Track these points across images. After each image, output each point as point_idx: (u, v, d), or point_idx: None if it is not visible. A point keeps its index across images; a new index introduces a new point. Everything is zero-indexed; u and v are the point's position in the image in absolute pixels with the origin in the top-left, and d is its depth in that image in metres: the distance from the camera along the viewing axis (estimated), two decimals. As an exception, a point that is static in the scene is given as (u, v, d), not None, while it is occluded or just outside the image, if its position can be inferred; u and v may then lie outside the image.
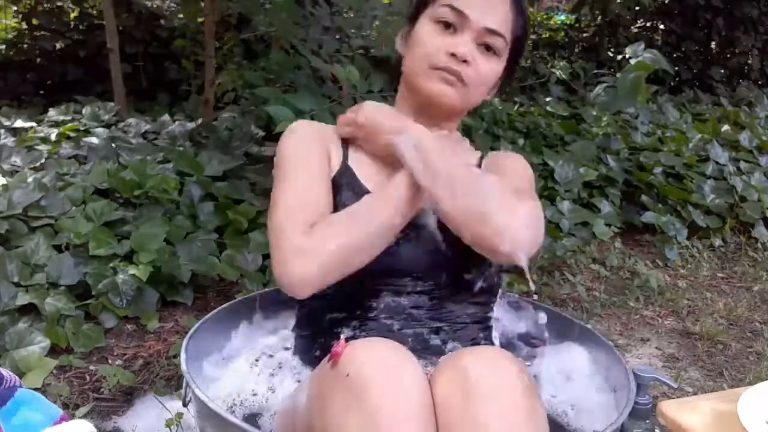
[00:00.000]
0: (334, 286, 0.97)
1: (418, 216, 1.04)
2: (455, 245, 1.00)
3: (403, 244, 1.03)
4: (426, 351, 1.01)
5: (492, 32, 1.02)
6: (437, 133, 1.04)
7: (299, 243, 0.94)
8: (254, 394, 1.04)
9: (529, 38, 5.77)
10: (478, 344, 1.07)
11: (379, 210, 0.98)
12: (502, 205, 0.95)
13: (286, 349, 1.13)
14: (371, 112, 1.09)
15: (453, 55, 1.01)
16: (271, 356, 1.12)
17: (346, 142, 1.12)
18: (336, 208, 1.03)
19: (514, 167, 1.15)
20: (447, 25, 1.03)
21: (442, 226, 1.03)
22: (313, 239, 0.94)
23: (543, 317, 1.28)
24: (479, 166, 1.15)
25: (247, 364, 1.11)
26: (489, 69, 1.05)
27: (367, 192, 1.06)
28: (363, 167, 1.10)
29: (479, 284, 1.05)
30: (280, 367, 1.08)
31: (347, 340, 0.84)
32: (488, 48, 1.04)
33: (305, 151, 1.07)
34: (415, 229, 1.04)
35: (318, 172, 1.05)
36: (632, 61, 2.29)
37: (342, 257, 0.95)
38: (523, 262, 0.94)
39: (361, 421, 0.74)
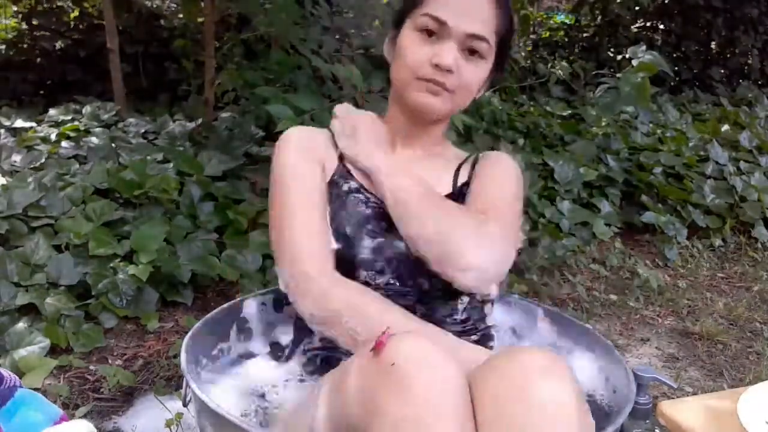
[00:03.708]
0: None
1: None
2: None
3: (381, 251, 1.03)
4: None
5: (474, 37, 1.02)
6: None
7: (324, 286, 0.98)
8: (255, 392, 1.04)
9: (529, 38, 5.78)
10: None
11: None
12: (462, 238, 0.97)
13: (282, 350, 1.14)
14: (349, 136, 1.11)
15: (437, 65, 1.01)
16: (266, 355, 1.13)
17: None
18: (331, 204, 1.06)
19: (502, 178, 1.13)
20: (429, 33, 1.03)
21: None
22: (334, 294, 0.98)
23: (543, 317, 1.28)
24: (460, 168, 1.15)
25: (246, 364, 1.11)
26: (474, 74, 1.05)
27: (361, 188, 1.08)
28: None
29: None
30: (276, 368, 1.09)
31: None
32: (473, 51, 1.04)
33: (302, 168, 1.08)
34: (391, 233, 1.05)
35: (318, 199, 1.06)
36: (634, 62, 2.28)
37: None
38: (494, 293, 1.00)
39: (408, 411, 0.74)
